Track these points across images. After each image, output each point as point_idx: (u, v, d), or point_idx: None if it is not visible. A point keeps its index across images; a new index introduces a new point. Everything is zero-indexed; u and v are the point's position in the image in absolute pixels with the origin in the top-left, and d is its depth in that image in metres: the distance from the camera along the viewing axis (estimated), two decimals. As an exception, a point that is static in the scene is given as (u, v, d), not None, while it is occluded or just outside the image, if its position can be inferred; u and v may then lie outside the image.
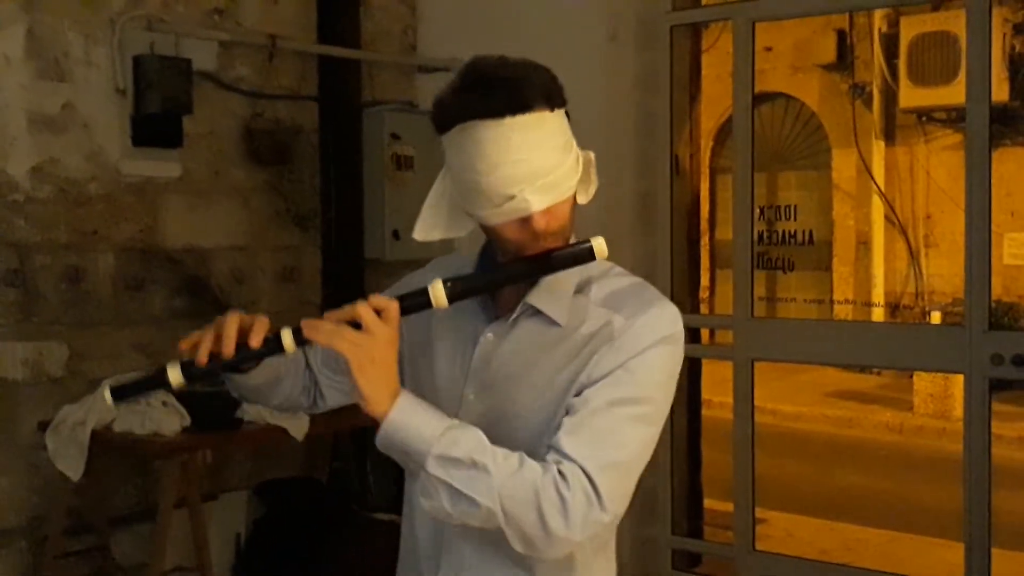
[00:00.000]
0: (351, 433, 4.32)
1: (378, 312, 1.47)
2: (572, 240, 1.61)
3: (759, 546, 4.25)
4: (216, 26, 4.15)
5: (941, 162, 10.16)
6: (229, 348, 1.51)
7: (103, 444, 3.48)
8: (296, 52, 4.41)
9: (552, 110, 1.52)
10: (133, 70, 3.85)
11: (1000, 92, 9.06)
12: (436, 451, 1.43)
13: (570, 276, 1.60)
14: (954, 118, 9.86)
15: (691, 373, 4.64)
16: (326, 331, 1.46)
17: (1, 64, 3.60)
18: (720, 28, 6.17)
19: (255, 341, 1.51)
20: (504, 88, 1.48)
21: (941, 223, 10.22)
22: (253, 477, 4.25)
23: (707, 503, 4.89)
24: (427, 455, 1.43)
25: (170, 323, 3.97)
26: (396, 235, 4.38)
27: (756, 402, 4.19)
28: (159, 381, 1.52)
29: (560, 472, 1.45)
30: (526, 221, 1.52)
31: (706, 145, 9.37)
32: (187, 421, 3.46)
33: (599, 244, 1.54)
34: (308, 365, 1.79)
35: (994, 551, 3.63)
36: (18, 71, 3.64)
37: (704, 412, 4.82)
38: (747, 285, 4.15)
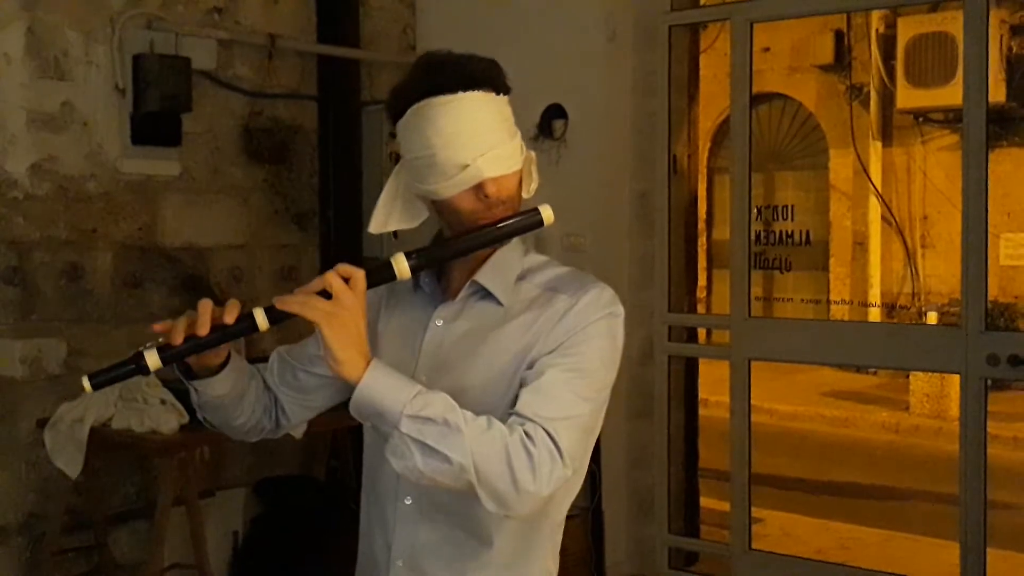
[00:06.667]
0: (349, 431, 4.32)
1: (346, 281, 1.52)
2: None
3: (755, 545, 4.26)
4: (216, 25, 4.16)
5: (938, 163, 10.16)
6: (204, 327, 1.54)
7: (101, 441, 3.49)
8: (295, 51, 4.42)
9: (498, 93, 1.63)
10: (132, 69, 3.86)
11: (997, 93, 9.05)
12: (410, 411, 1.47)
13: (513, 262, 1.69)
14: (951, 119, 9.85)
15: (688, 372, 4.65)
16: (297, 302, 1.51)
17: (1, 62, 3.61)
18: (718, 29, 6.17)
19: (229, 319, 1.54)
20: (454, 68, 1.61)
21: (938, 224, 10.22)
22: (251, 475, 4.26)
23: (703, 502, 4.89)
24: (401, 415, 1.47)
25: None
26: (395, 234, 4.37)
27: (753, 401, 4.20)
28: (136, 365, 1.52)
29: (525, 432, 1.51)
30: (479, 189, 1.60)
31: (704, 145, 9.34)
32: (185, 419, 3.46)
33: (546, 211, 1.62)
34: (267, 386, 1.80)
35: (989, 551, 3.64)
36: (18, 69, 3.65)
37: (701, 411, 4.82)
38: (744, 285, 4.16)
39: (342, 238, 4.44)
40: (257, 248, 4.34)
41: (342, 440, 4.41)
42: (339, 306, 1.49)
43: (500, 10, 4.43)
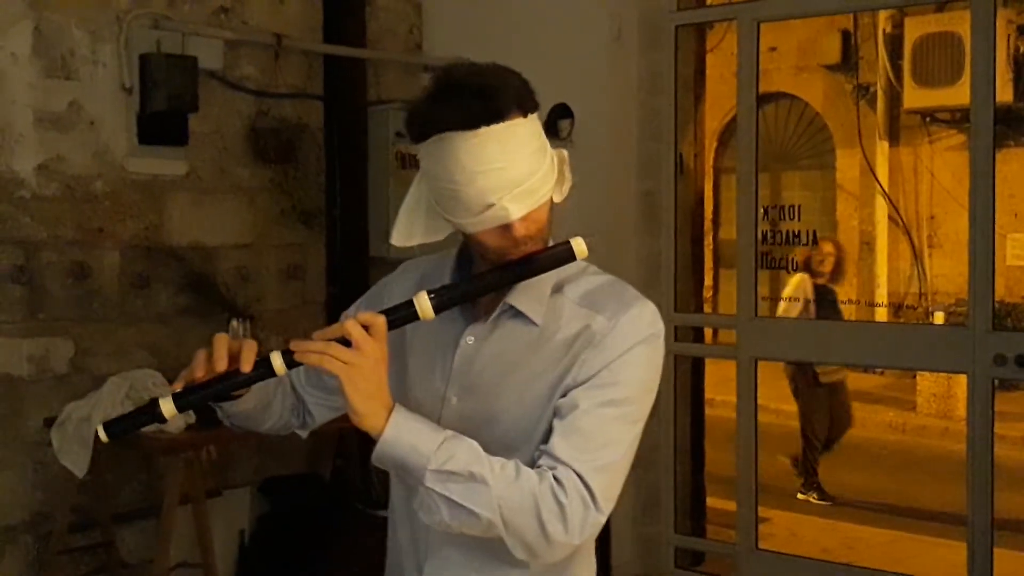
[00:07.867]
0: (355, 431, 4.32)
1: (366, 328, 1.47)
2: (551, 242, 1.61)
3: (761, 545, 4.26)
4: (222, 25, 4.17)
5: (945, 163, 10.14)
6: (222, 363, 1.51)
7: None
8: (302, 51, 4.42)
9: (525, 116, 1.52)
10: (139, 68, 3.86)
11: (1004, 93, 9.03)
12: (433, 466, 1.44)
13: (547, 276, 1.59)
14: (958, 119, 9.84)
15: (694, 372, 4.64)
16: (316, 352, 1.46)
17: (8, 62, 3.62)
18: (725, 28, 6.17)
19: (246, 366, 1.50)
20: (478, 98, 1.47)
21: (945, 224, 10.20)
22: (257, 474, 4.27)
23: (710, 502, 4.89)
24: (424, 470, 1.44)
25: (175, 320, 3.98)
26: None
27: (759, 401, 4.20)
28: (152, 414, 1.52)
29: (556, 478, 1.47)
30: (506, 228, 1.52)
31: (710, 145, 9.32)
32: (192, 418, 3.47)
33: (579, 244, 1.55)
34: (292, 386, 1.79)
35: (996, 551, 3.64)
36: (25, 69, 3.65)
37: (707, 411, 4.82)
38: (751, 285, 4.16)
39: (348, 237, 4.44)
40: (264, 247, 4.34)
41: (348, 439, 4.41)
42: (359, 356, 1.45)
43: (506, 10, 4.44)
